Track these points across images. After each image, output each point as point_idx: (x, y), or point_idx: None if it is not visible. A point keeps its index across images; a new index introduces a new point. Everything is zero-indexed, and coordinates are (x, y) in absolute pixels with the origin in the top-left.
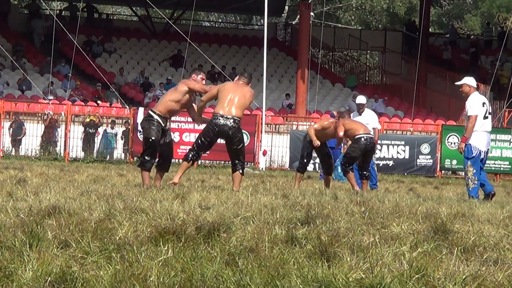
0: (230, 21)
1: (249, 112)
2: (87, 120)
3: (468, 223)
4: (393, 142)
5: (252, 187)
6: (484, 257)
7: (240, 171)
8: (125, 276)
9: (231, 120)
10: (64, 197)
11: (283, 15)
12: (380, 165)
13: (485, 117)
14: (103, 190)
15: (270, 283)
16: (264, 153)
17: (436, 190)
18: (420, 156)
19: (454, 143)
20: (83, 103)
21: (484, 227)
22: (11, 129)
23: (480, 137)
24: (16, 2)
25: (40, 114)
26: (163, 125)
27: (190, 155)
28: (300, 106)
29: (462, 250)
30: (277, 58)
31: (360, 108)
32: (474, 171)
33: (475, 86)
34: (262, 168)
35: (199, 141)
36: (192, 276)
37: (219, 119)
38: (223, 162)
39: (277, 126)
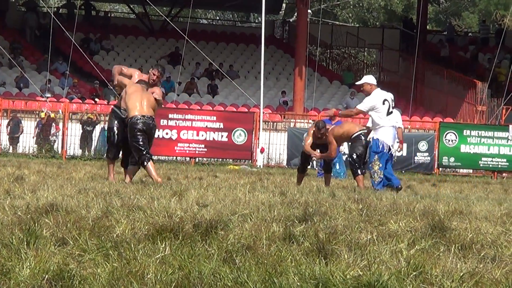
0: (227, 18)
1: (246, 110)
2: (85, 117)
3: (465, 221)
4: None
5: (250, 184)
6: (482, 254)
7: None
8: (122, 273)
9: (152, 119)
10: (61, 195)
11: (280, 12)
12: None
13: (389, 113)
14: (100, 188)
15: (267, 280)
16: (262, 151)
17: (434, 188)
18: (417, 154)
19: (452, 141)
20: (80, 101)
21: (481, 224)
22: (9, 126)
23: (387, 132)
24: (13, 0)
25: (37, 112)
26: (123, 116)
27: (148, 156)
28: (297, 104)
29: (459, 248)
30: (274, 56)
31: None
32: (380, 165)
33: (376, 84)
34: (260, 166)
35: (141, 142)
36: (189, 274)
37: (144, 119)
38: (220, 159)
39: (275, 123)
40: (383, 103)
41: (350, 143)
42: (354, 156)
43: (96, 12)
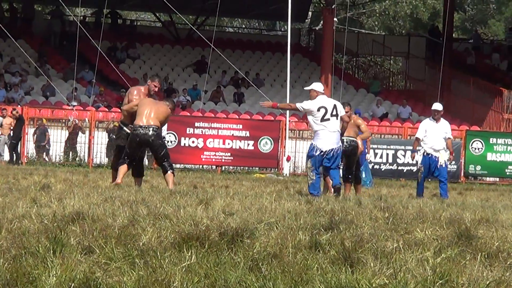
0: (253, 26)
1: (272, 118)
2: (111, 126)
3: (492, 229)
4: (417, 148)
5: (276, 193)
6: (508, 263)
7: (170, 171)
8: (148, 282)
9: (150, 129)
10: (87, 203)
11: (306, 20)
12: (404, 171)
13: (325, 119)
14: (126, 196)
15: None
16: (288, 159)
17: (460, 196)
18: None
19: (478, 149)
20: (107, 109)
21: (508, 233)
22: (35, 135)
23: (322, 137)
24: (40, 8)
25: (64, 120)
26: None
27: (124, 161)
28: None
29: (486, 256)
30: (300, 64)
31: (435, 115)
32: (312, 168)
33: (322, 92)
34: (286, 174)
35: (128, 149)
36: (215, 282)
37: (139, 130)
38: (247, 168)
39: (301, 131)
40: (318, 110)
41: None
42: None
43: (122, 20)
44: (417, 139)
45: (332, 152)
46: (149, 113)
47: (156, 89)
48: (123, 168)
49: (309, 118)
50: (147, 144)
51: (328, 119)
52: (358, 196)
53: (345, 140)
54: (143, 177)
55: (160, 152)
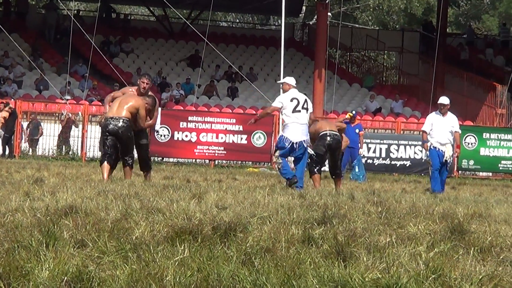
0: (247, 21)
1: None
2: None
3: (485, 223)
4: (410, 143)
5: (269, 187)
6: (501, 257)
7: (128, 166)
8: (141, 275)
9: (120, 121)
10: (81, 197)
11: (300, 15)
12: (397, 165)
13: (297, 111)
14: (120, 190)
15: (286, 283)
16: None
17: (453, 191)
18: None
19: (472, 144)
20: (100, 103)
21: (501, 227)
22: (29, 129)
23: (291, 129)
24: (34, 2)
25: (57, 114)
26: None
27: (104, 158)
28: (317, 107)
29: (478, 250)
30: (294, 58)
31: (442, 109)
32: (280, 160)
33: (294, 85)
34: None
35: (106, 143)
36: (208, 276)
37: (109, 121)
38: (240, 162)
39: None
40: (291, 100)
41: (316, 141)
42: (313, 156)
43: (116, 14)
44: (424, 132)
45: (301, 143)
46: (120, 105)
47: (145, 86)
48: (104, 167)
49: (282, 110)
50: (116, 135)
51: (299, 111)
52: (338, 190)
53: (328, 134)
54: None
55: (127, 145)
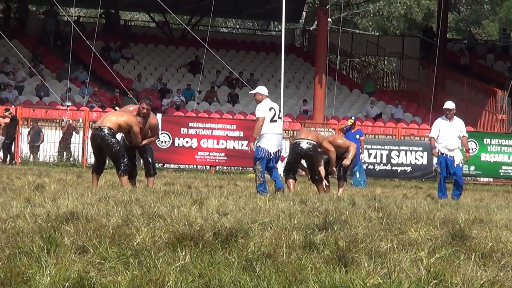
0: (247, 27)
1: None
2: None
3: (486, 229)
4: (411, 148)
5: (270, 193)
6: (502, 263)
7: (120, 172)
8: (142, 281)
9: (101, 130)
10: (82, 203)
11: (300, 21)
12: (398, 171)
13: (273, 121)
14: (121, 196)
15: None
16: (282, 159)
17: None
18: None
19: (472, 149)
20: (101, 109)
21: (502, 233)
22: (29, 135)
23: (269, 139)
24: (34, 9)
25: (58, 121)
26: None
27: (93, 169)
28: (318, 112)
29: (480, 256)
30: (294, 64)
31: (447, 113)
32: (261, 169)
33: (267, 95)
34: (281, 174)
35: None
36: (209, 282)
37: (93, 131)
38: (241, 168)
39: (295, 132)
40: (270, 110)
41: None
42: (286, 163)
43: (116, 20)
44: (432, 138)
45: (277, 153)
46: (108, 116)
47: (145, 111)
48: (93, 176)
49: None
50: (97, 144)
51: (276, 121)
52: (321, 194)
53: (299, 143)
54: (136, 177)
55: (110, 151)
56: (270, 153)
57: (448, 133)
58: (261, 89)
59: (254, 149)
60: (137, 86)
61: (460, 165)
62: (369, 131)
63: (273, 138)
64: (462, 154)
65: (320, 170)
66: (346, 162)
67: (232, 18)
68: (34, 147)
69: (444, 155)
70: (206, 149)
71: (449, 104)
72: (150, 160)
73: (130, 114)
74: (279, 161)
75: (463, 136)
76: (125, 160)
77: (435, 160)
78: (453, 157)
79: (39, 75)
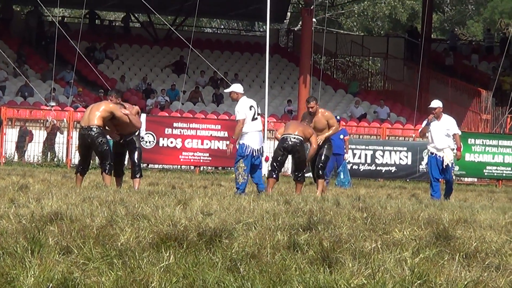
0: (232, 27)
1: None
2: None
3: (470, 229)
4: (395, 148)
5: (254, 193)
6: (486, 263)
7: (105, 172)
8: (126, 282)
9: (90, 129)
10: (66, 204)
11: (285, 21)
12: (383, 171)
13: (254, 119)
14: (105, 196)
15: None
16: (267, 159)
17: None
18: (422, 162)
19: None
20: (85, 110)
21: (486, 233)
22: (18, 136)
23: (252, 137)
24: (18, 9)
25: (42, 121)
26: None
27: (77, 168)
28: (302, 112)
29: (464, 256)
30: (279, 64)
31: (433, 112)
32: (245, 167)
33: (242, 92)
34: (264, 174)
35: (80, 155)
36: (194, 282)
37: (81, 131)
38: (225, 168)
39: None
40: (250, 109)
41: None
42: (272, 159)
43: (100, 21)
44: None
45: (259, 150)
46: (91, 112)
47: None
48: (77, 177)
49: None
50: (86, 144)
51: (256, 118)
52: (297, 194)
53: (286, 138)
54: (122, 176)
55: (99, 150)
56: (255, 150)
57: (436, 132)
58: (236, 87)
59: (237, 148)
60: (121, 86)
61: (450, 165)
62: (353, 131)
63: (255, 136)
64: (453, 153)
65: (305, 172)
66: (321, 137)
67: (217, 19)
68: (20, 148)
69: (433, 155)
70: (191, 149)
71: (434, 103)
72: (137, 162)
73: (107, 102)
74: (264, 161)
75: (454, 133)
76: (111, 161)
77: (424, 160)
78: (442, 157)
79: (23, 75)
